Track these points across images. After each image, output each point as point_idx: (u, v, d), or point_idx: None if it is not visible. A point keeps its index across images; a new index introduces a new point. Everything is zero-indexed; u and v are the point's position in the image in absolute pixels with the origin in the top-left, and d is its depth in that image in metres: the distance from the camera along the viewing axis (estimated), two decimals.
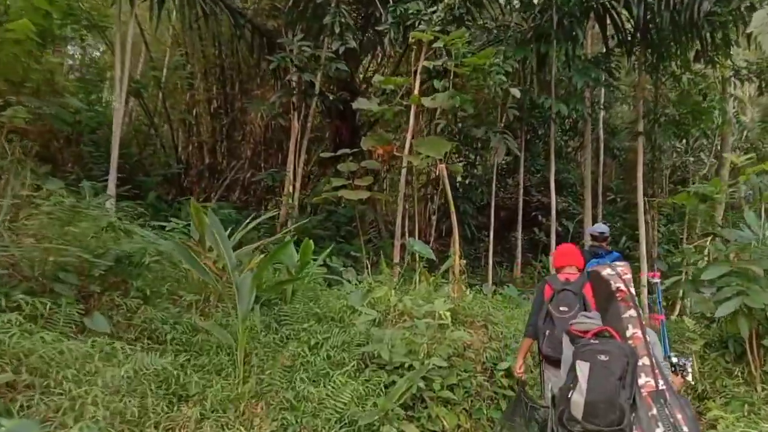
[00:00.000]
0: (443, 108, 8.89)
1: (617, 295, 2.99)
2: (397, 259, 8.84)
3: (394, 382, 4.69)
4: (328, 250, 6.86)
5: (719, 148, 13.93)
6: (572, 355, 2.80)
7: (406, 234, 9.32)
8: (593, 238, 6.82)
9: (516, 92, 7.67)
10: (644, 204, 11.27)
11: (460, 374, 5.19)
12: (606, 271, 3.12)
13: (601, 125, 13.04)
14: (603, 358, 2.67)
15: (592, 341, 2.80)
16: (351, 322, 5.50)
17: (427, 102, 7.48)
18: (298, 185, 10.07)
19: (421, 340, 5.07)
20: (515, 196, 12.35)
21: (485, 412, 5.15)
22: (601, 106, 11.78)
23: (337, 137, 11.69)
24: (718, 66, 11.73)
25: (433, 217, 11.89)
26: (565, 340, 3.05)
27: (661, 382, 2.77)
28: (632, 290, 3.04)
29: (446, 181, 7.00)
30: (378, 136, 8.26)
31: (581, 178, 13.73)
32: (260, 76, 14.89)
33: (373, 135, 8.70)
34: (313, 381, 4.52)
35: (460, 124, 9.40)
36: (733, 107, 13.05)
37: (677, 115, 11.88)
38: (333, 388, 4.37)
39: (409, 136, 8.39)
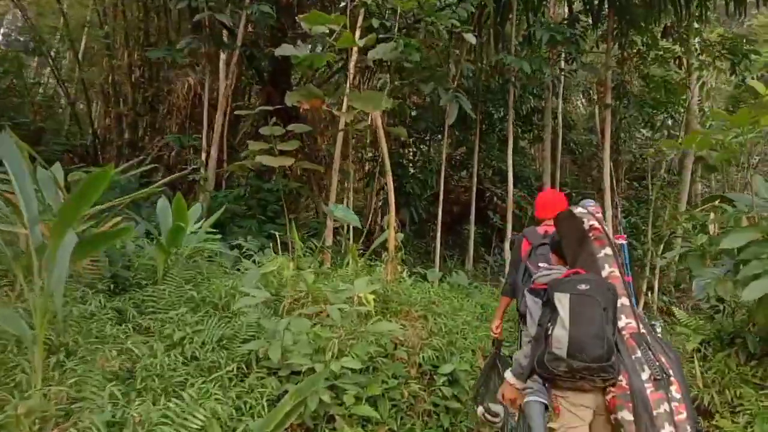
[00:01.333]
0: (388, 62, 7.51)
1: (590, 233, 2.69)
2: (329, 242, 7.39)
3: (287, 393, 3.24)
4: (216, 215, 5.29)
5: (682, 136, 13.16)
6: (548, 292, 2.48)
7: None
8: None
9: (471, 38, 6.37)
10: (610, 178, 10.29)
11: (387, 381, 3.81)
12: (578, 210, 2.78)
13: (560, 117, 12.11)
14: (583, 287, 2.40)
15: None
16: (241, 311, 4.00)
17: (362, 44, 6.09)
18: (213, 153, 8.44)
19: (330, 333, 3.63)
20: (469, 186, 11.14)
21: None
22: (564, 72, 10.65)
23: (269, 104, 10.13)
24: (687, 42, 10.89)
25: (377, 198, 10.52)
26: (529, 297, 2.87)
27: (641, 324, 2.55)
28: (606, 228, 2.72)
29: (381, 134, 5.61)
30: (305, 89, 6.79)
31: (537, 173, 12.80)
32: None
33: (299, 89, 7.21)
34: (158, 394, 3.00)
35: (404, 81, 8.03)
36: (704, 85, 12.19)
37: (645, 91, 10.92)
38: (181, 405, 2.85)
39: (346, 90, 6.94)
